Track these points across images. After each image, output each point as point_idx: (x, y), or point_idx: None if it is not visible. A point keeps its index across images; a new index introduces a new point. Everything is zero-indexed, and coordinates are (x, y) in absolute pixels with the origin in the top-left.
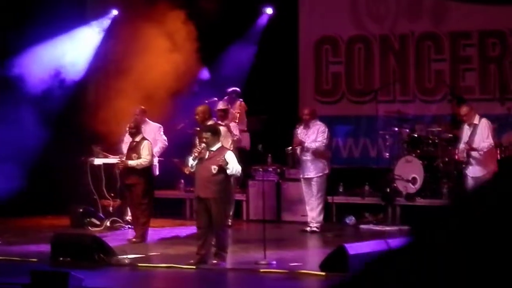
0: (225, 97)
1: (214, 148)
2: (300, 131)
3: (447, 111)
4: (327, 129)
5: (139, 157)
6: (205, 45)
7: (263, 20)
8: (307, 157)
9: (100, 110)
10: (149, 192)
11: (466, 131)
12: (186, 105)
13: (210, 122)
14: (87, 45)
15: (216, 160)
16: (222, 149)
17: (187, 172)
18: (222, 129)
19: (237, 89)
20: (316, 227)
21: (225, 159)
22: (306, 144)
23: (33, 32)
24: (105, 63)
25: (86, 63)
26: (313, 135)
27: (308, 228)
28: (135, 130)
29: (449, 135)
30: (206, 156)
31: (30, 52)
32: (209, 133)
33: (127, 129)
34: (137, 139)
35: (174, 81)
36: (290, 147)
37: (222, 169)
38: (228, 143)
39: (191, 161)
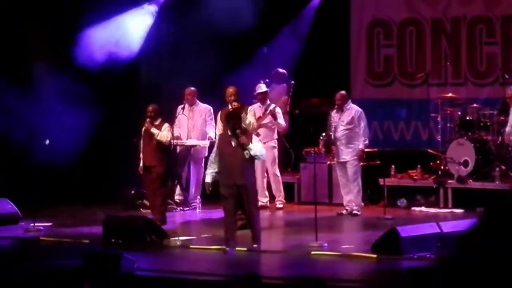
0: (267, 80)
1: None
2: (333, 115)
3: (499, 95)
4: (362, 113)
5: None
6: (258, 27)
7: (315, 3)
8: (342, 140)
9: (153, 91)
10: (167, 175)
11: None
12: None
13: (235, 104)
14: (140, 26)
15: (241, 145)
16: (246, 132)
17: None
18: (251, 111)
19: (281, 70)
20: (356, 210)
21: (245, 138)
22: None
23: (89, 13)
24: (158, 44)
25: (139, 44)
26: (348, 118)
27: (344, 211)
28: (154, 114)
29: (501, 117)
30: (233, 143)
31: (86, 32)
32: (234, 120)
33: (178, 110)
34: (157, 122)
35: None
36: (324, 134)
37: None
38: (250, 125)
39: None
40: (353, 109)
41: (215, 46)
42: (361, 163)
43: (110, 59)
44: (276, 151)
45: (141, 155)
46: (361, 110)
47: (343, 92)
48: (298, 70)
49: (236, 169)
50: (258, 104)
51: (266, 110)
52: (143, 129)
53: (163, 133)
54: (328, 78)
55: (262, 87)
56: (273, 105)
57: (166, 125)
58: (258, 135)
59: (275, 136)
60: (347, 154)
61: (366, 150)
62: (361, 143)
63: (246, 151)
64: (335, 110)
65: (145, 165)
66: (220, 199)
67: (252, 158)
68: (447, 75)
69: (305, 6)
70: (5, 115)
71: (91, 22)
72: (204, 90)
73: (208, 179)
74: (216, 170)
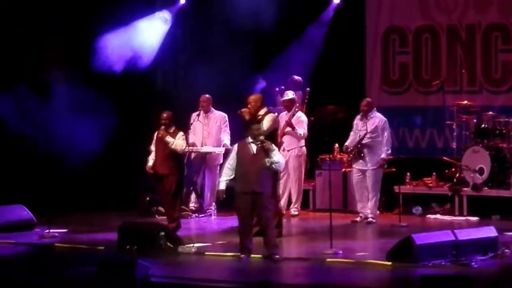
0: (282, 87)
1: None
2: (357, 122)
3: None
4: (387, 122)
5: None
6: (273, 34)
7: (330, 10)
8: (364, 149)
9: (168, 99)
10: (181, 183)
11: None
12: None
13: (262, 111)
14: (155, 33)
15: (265, 150)
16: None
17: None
18: (270, 116)
19: (297, 77)
20: (372, 217)
21: (270, 143)
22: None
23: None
24: (173, 51)
25: (155, 51)
26: (372, 126)
27: (358, 218)
28: (168, 121)
29: None
30: (255, 151)
31: (102, 39)
32: (257, 125)
33: (193, 117)
34: (171, 130)
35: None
36: (348, 147)
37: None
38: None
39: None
40: (377, 118)
41: (231, 54)
42: (381, 172)
43: (126, 66)
44: (301, 159)
45: (150, 158)
46: (386, 119)
47: (369, 99)
48: (313, 77)
49: (254, 177)
50: (285, 112)
51: (291, 117)
52: (155, 136)
53: (178, 142)
54: (344, 85)
55: (288, 94)
56: (300, 113)
57: (180, 134)
58: (282, 143)
59: (301, 144)
60: (368, 162)
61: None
62: (383, 153)
63: (268, 158)
64: (359, 117)
65: (158, 172)
66: (235, 206)
67: (271, 166)
68: (463, 83)
69: (321, 14)
70: (22, 122)
71: (107, 29)
72: (220, 98)
73: (222, 186)
74: (231, 177)
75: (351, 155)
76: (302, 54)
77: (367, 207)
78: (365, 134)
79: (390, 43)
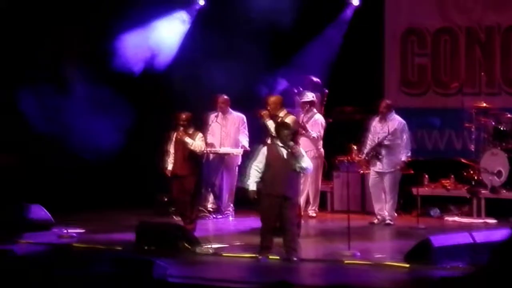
0: (300, 88)
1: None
2: (375, 124)
3: None
4: (406, 125)
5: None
6: (290, 35)
7: (349, 11)
8: (383, 151)
9: (185, 99)
10: (199, 184)
11: None
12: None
13: (282, 113)
14: (174, 34)
15: (294, 155)
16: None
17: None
18: (291, 119)
19: (315, 79)
20: (389, 219)
21: (298, 147)
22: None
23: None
24: (192, 52)
25: (173, 51)
26: (391, 128)
27: (376, 220)
28: (187, 122)
29: None
30: (285, 155)
31: (120, 39)
32: (286, 131)
33: (212, 118)
34: (190, 131)
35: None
36: (369, 153)
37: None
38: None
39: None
40: (396, 120)
41: (249, 54)
42: (399, 175)
43: (144, 66)
44: (318, 161)
45: (169, 160)
46: (405, 122)
47: (388, 101)
48: (331, 78)
49: (284, 181)
50: (302, 113)
51: (309, 119)
52: (174, 136)
53: (197, 143)
54: (362, 86)
55: (308, 96)
56: (317, 115)
57: (199, 135)
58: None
59: (318, 145)
60: (386, 165)
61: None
62: (403, 155)
63: (298, 164)
64: (377, 119)
65: (176, 173)
66: (257, 207)
67: (300, 171)
68: (481, 85)
69: (339, 14)
70: (40, 120)
71: (126, 29)
72: (238, 99)
73: (253, 187)
74: (259, 179)
75: (367, 157)
76: (320, 54)
77: (385, 208)
78: (386, 136)
79: (408, 44)
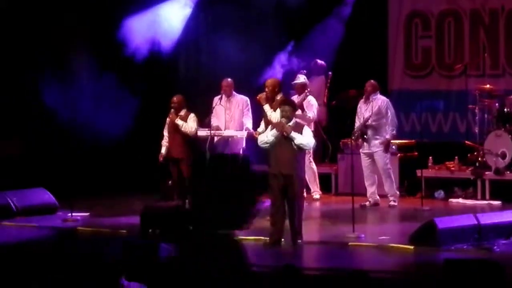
0: (304, 71)
1: (290, 123)
2: (360, 105)
3: None
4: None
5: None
6: (295, 18)
7: None
8: (368, 131)
9: (190, 83)
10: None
11: None
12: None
13: (279, 96)
14: (178, 17)
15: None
16: (298, 124)
17: (256, 136)
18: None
19: (320, 62)
20: (393, 200)
21: (289, 127)
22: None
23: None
24: (196, 36)
25: (177, 35)
26: (374, 108)
27: (367, 203)
28: (178, 105)
29: None
30: (285, 133)
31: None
32: (288, 107)
33: (215, 101)
34: (182, 113)
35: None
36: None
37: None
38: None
39: (269, 136)
40: (379, 99)
41: (252, 37)
42: (388, 153)
43: (149, 51)
44: None
45: (164, 144)
46: (388, 99)
47: (373, 81)
48: (336, 61)
49: (285, 159)
50: (296, 95)
51: (302, 101)
52: (167, 120)
53: (188, 124)
54: (366, 69)
55: (300, 78)
56: (310, 97)
57: (192, 115)
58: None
59: (311, 127)
60: (374, 145)
61: (403, 141)
62: (388, 133)
63: (297, 142)
64: (362, 100)
65: (172, 157)
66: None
67: (300, 149)
68: (485, 67)
69: None
70: (46, 106)
71: (130, 14)
72: (242, 82)
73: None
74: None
75: (353, 138)
76: (325, 38)
77: (376, 192)
78: (369, 116)
79: (413, 27)
